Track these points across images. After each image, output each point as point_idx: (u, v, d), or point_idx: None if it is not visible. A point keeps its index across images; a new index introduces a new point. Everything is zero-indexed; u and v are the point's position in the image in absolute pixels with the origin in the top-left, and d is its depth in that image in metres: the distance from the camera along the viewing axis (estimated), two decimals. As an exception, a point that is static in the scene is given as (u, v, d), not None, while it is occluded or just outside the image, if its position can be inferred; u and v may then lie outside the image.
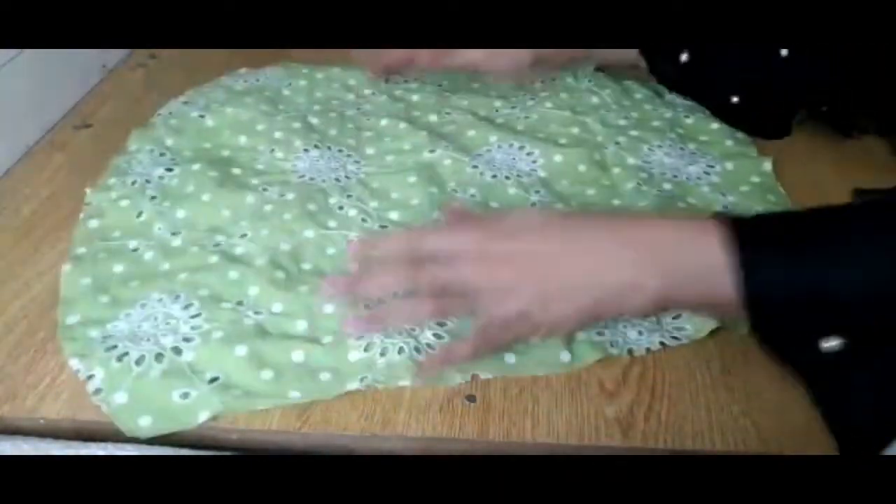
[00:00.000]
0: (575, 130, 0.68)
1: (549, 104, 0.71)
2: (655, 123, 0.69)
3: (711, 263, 0.37)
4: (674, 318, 0.49)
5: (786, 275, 0.36)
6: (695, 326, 0.48)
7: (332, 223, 0.57)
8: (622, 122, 0.69)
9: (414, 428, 0.43)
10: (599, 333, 0.48)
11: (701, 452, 0.42)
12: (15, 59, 0.65)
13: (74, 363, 0.46)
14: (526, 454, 0.43)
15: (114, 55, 0.81)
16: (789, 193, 0.61)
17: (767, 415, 0.44)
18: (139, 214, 0.58)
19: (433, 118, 0.71)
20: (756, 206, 0.59)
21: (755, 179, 0.62)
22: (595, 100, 0.72)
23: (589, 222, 0.43)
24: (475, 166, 0.63)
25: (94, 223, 0.58)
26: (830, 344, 0.36)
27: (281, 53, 0.83)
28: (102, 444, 0.42)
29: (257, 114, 0.69)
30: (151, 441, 0.43)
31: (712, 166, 0.63)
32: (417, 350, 0.46)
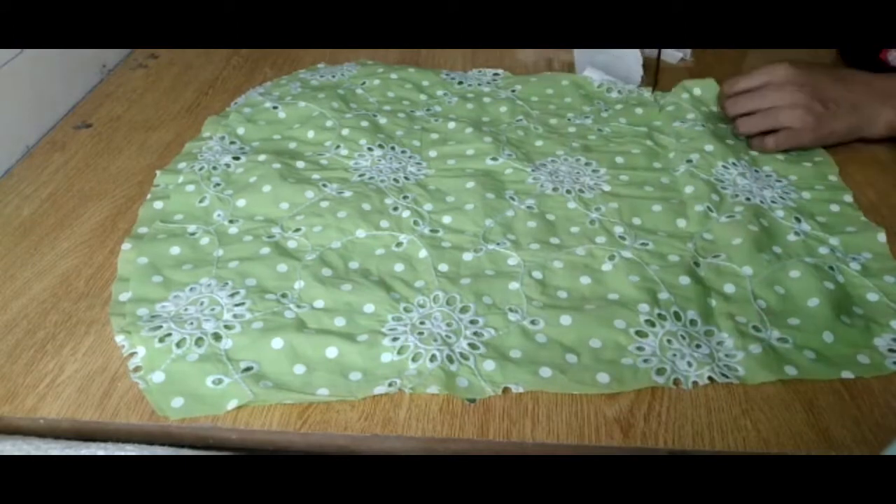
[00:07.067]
0: (648, 143, 0.67)
1: (623, 119, 0.71)
2: (730, 141, 0.66)
3: None
4: (726, 356, 0.47)
5: None
6: (747, 371, 0.46)
7: (384, 223, 0.57)
8: (694, 138, 0.66)
9: (414, 428, 0.43)
10: (646, 361, 0.46)
11: (701, 452, 0.42)
12: (15, 59, 0.65)
13: (119, 339, 0.47)
14: (526, 454, 0.43)
15: (114, 55, 0.81)
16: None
17: (767, 415, 0.44)
18: (202, 200, 0.59)
19: (502, 125, 0.70)
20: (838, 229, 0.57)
21: (834, 209, 0.59)
22: (671, 110, 0.71)
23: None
24: (536, 178, 0.63)
25: (158, 205, 0.59)
26: None
27: (286, 54, 0.83)
28: (102, 444, 0.42)
29: (328, 110, 0.70)
30: (151, 441, 0.43)
31: (788, 193, 0.61)
32: (450, 359, 0.46)
